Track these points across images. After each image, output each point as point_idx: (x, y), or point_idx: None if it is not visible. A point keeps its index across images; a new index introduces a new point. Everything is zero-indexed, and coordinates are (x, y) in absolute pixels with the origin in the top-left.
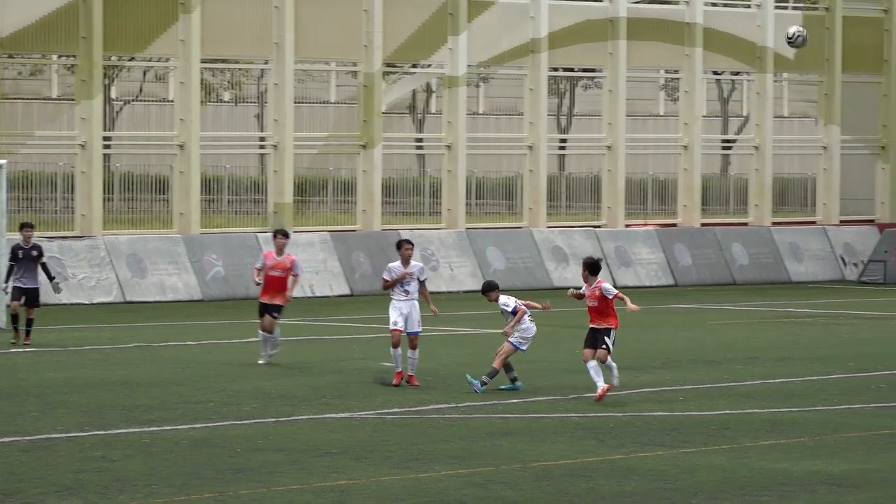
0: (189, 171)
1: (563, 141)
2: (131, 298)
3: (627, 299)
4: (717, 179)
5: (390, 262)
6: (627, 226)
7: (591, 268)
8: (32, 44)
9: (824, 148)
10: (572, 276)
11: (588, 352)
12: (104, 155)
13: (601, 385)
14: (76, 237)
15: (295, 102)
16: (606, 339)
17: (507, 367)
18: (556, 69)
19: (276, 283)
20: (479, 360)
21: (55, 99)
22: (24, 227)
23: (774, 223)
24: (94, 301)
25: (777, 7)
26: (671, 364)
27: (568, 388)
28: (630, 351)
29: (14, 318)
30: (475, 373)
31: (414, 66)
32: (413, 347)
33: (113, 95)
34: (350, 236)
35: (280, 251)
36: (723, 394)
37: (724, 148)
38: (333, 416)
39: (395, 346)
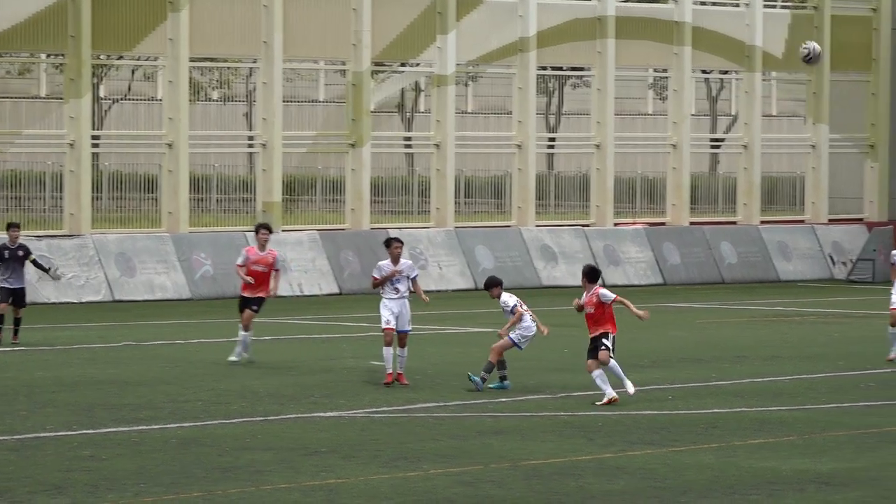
0: (178, 169)
1: (552, 140)
2: (120, 297)
3: (631, 305)
4: (705, 178)
5: (380, 261)
6: (616, 224)
7: (589, 275)
8: (21, 43)
9: (813, 147)
10: (561, 274)
11: (591, 362)
12: (93, 154)
13: (609, 393)
14: (65, 236)
15: (283, 101)
16: (605, 340)
17: (500, 363)
18: (544, 68)
19: (259, 277)
20: (468, 359)
21: (44, 98)
22: (10, 226)
23: (763, 222)
24: (83, 300)
25: (766, 6)
26: (660, 363)
27: (557, 386)
28: (619, 350)
29: (0, 319)
30: (473, 370)
31: (403, 64)
32: (402, 346)
33: (101, 94)
34: (339, 235)
35: (262, 246)
36: (711, 392)
37: (712, 147)
38: (322, 414)
39: (388, 345)
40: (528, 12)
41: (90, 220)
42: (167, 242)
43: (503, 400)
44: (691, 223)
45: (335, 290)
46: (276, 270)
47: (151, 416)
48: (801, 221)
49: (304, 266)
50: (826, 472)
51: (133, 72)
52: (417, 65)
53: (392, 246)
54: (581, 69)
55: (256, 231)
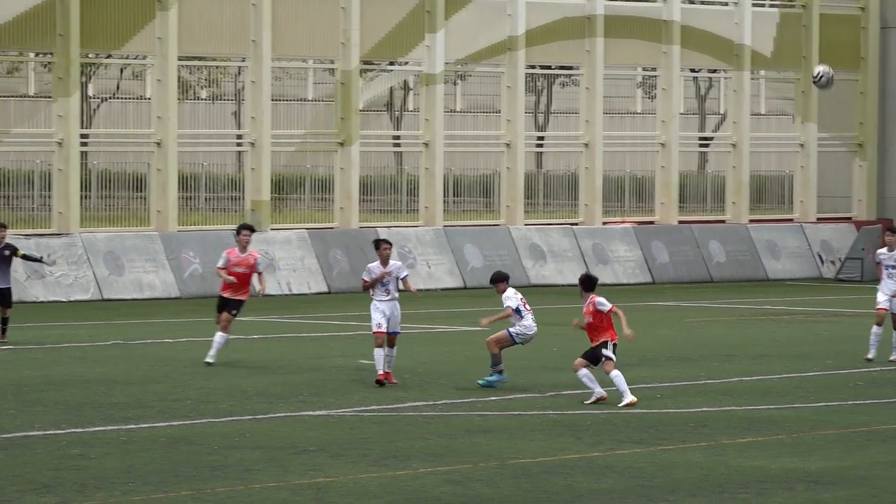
0: (166, 168)
1: (541, 138)
2: (109, 296)
3: (624, 320)
4: (694, 177)
5: (369, 263)
6: (605, 223)
7: (585, 284)
8: (9, 41)
9: (801, 145)
10: (549, 273)
11: (578, 362)
12: (81, 152)
13: (598, 392)
14: (53, 235)
15: (272, 100)
16: (605, 351)
17: (494, 360)
18: (533, 67)
19: (240, 279)
20: (456, 357)
21: (32, 96)
22: None
23: (752, 221)
24: (72, 298)
25: (754, 5)
26: (648, 361)
27: (546, 385)
28: None
29: None
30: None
31: (391, 63)
32: (391, 346)
33: (90, 93)
34: (327, 234)
35: (244, 248)
36: (700, 391)
37: (701, 145)
38: (310, 413)
39: (379, 346)
40: (517, 11)
41: (79, 219)
42: (156, 241)
43: (492, 399)
44: (680, 222)
45: (324, 288)
46: (259, 273)
47: (140, 414)
48: (790, 220)
49: (292, 265)
50: (815, 470)
51: (122, 70)
52: (406, 63)
53: (381, 248)
54: (570, 68)
55: (238, 232)
